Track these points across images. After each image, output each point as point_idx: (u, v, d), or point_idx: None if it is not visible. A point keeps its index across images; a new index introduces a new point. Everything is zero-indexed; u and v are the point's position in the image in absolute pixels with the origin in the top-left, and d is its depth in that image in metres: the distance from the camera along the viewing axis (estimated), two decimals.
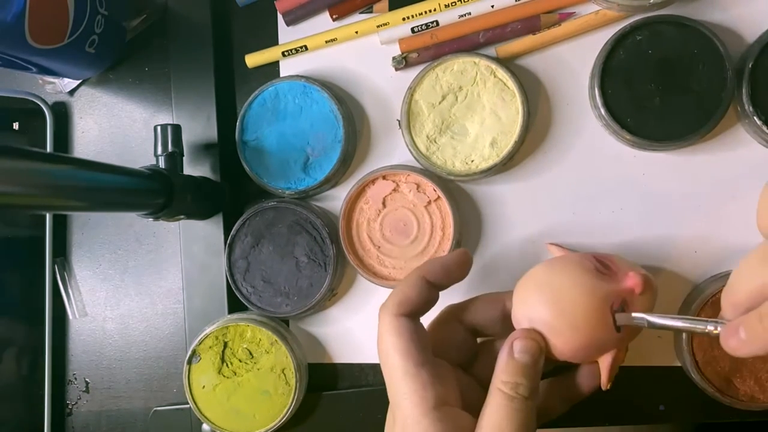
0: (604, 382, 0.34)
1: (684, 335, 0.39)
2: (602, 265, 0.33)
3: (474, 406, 0.32)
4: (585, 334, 0.31)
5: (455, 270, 0.35)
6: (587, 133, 0.42)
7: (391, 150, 0.45)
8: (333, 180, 0.44)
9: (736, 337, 0.26)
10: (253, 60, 0.46)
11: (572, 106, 0.43)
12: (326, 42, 0.45)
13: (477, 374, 0.36)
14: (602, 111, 0.40)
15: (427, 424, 0.30)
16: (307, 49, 0.45)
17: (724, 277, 0.40)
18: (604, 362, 0.33)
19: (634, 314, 0.31)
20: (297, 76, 0.44)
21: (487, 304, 0.36)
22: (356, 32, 0.45)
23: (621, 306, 0.32)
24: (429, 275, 0.34)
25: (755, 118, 0.38)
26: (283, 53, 0.46)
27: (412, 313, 0.33)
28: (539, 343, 0.32)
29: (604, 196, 0.42)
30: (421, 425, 0.30)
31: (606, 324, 0.31)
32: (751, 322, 0.26)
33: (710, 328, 0.28)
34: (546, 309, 0.32)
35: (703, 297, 0.39)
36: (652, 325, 0.31)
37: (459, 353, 0.36)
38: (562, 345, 0.32)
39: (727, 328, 0.27)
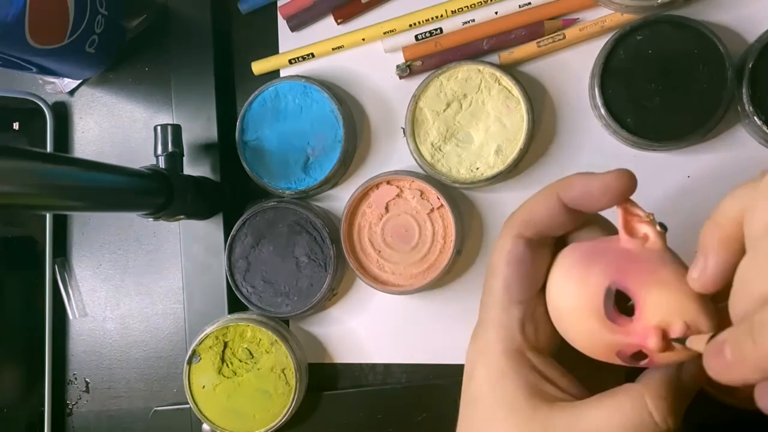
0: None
1: None
2: (614, 308, 0.24)
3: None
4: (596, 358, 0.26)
5: (599, 196, 0.26)
6: (590, 136, 0.42)
7: (391, 151, 0.45)
8: (333, 180, 0.44)
9: (720, 358, 0.20)
10: (259, 67, 0.46)
11: (574, 109, 0.43)
12: (333, 49, 0.45)
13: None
14: (602, 111, 0.40)
15: (504, 364, 0.27)
16: (314, 56, 0.45)
17: None
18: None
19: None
20: (297, 76, 0.44)
21: (540, 208, 0.28)
22: (363, 39, 0.44)
23: (634, 355, 0.25)
24: (564, 195, 0.27)
25: (755, 118, 0.38)
26: (290, 61, 0.46)
27: (536, 236, 0.28)
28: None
29: None
30: (499, 363, 0.27)
31: (615, 362, 0.26)
32: (739, 337, 0.20)
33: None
34: (559, 330, 0.27)
35: None
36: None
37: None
38: None
39: (710, 347, 0.21)
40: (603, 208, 0.27)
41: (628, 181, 0.26)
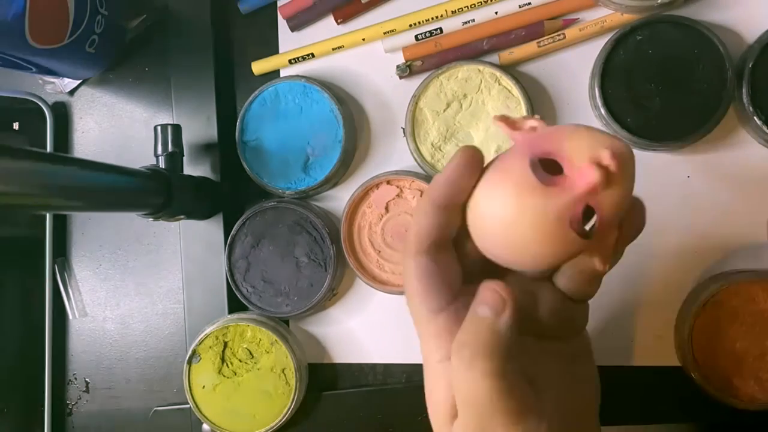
0: (599, 265, 0.27)
1: (687, 334, 0.39)
2: (545, 172, 0.25)
3: None
4: (551, 260, 0.26)
5: (461, 180, 0.27)
6: None
7: (391, 151, 0.45)
8: (333, 180, 0.44)
9: None
10: (259, 67, 0.46)
11: (574, 109, 0.43)
12: (333, 49, 0.45)
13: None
14: (602, 111, 0.40)
15: (439, 371, 0.28)
16: (314, 56, 0.45)
17: (725, 277, 0.40)
18: (588, 263, 0.27)
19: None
20: (297, 76, 0.44)
21: (426, 226, 0.29)
22: (363, 39, 0.44)
23: (584, 213, 0.25)
24: (437, 198, 0.28)
25: (755, 118, 0.38)
26: (290, 61, 0.46)
27: (435, 245, 0.28)
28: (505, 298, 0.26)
29: None
30: (436, 372, 0.28)
31: (570, 241, 0.25)
32: None
33: None
34: (499, 251, 0.27)
35: (704, 297, 0.39)
36: None
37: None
38: (532, 273, 0.28)
39: None
40: (471, 184, 0.27)
41: (472, 152, 0.27)
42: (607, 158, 0.24)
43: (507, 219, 0.25)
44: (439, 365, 0.28)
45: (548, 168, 0.25)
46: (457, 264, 0.29)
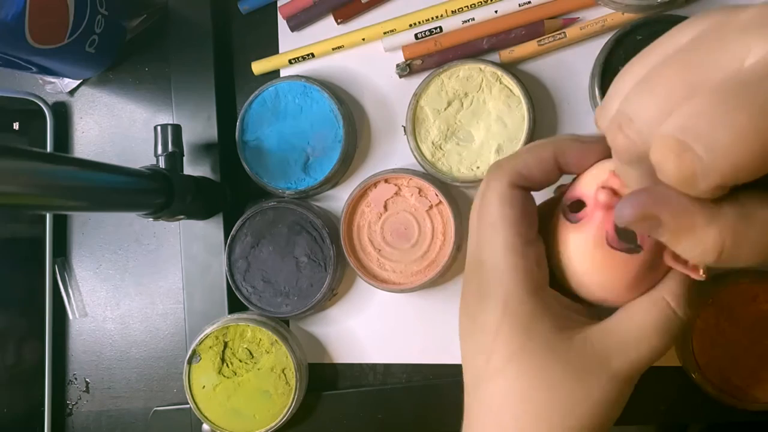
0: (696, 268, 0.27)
1: (687, 334, 0.39)
2: (572, 213, 0.27)
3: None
4: (629, 294, 0.27)
5: (590, 161, 0.28)
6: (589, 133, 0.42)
7: (391, 150, 0.45)
8: (333, 180, 0.44)
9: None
10: (259, 67, 0.46)
11: (574, 108, 0.43)
12: (333, 49, 0.45)
13: None
14: None
15: (534, 304, 0.27)
16: (314, 56, 0.45)
17: (725, 277, 0.40)
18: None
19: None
20: (297, 76, 0.44)
21: (536, 165, 0.29)
22: (363, 39, 0.44)
23: (616, 232, 0.26)
24: (562, 157, 0.28)
25: None
26: (290, 61, 0.46)
27: (526, 188, 0.29)
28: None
29: None
30: (527, 305, 0.27)
31: (625, 262, 0.26)
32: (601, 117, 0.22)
33: None
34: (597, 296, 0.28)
35: (704, 297, 0.39)
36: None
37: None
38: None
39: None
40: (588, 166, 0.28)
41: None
42: (608, 181, 0.26)
43: (616, 279, 0.27)
44: (537, 294, 0.27)
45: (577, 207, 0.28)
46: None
